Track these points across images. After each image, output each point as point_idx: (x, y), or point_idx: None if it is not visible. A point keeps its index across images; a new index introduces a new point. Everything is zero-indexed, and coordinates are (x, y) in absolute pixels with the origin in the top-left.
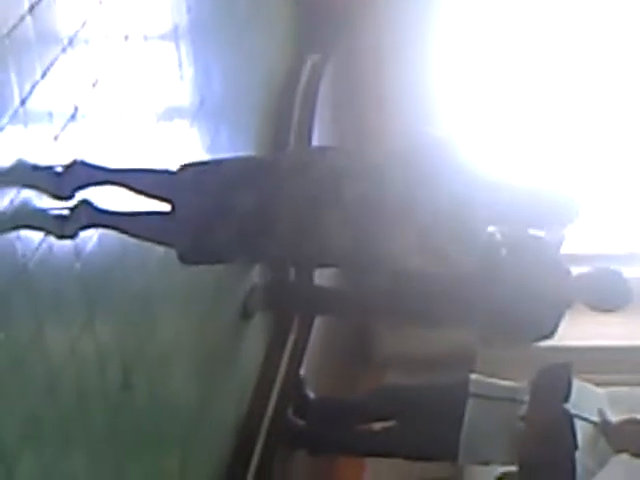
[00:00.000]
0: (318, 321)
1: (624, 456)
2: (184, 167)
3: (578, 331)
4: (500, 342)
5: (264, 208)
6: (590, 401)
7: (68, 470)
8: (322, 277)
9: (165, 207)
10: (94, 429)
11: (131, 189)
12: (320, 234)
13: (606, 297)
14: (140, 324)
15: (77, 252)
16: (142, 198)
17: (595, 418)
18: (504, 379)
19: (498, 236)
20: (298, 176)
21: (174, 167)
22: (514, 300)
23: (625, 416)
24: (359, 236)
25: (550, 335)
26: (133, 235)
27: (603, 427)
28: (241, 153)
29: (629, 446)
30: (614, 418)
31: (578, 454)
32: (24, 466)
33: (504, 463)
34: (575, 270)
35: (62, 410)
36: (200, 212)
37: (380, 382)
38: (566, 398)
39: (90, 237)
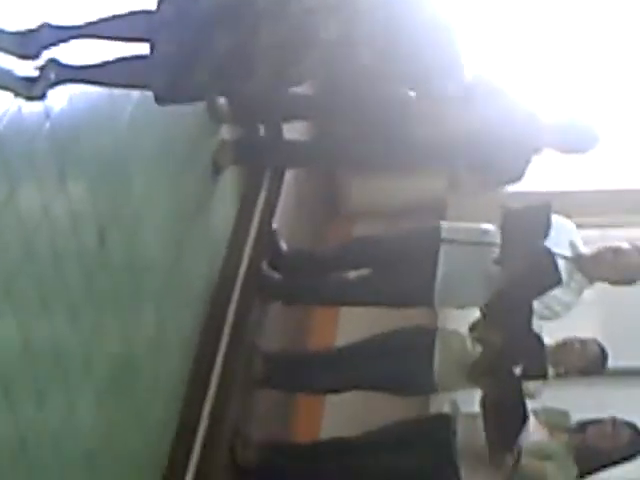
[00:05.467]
0: (289, 175)
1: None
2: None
3: (544, 177)
4: (470, 185)
5: (242, 48)
6: (560, 235)
7: (47, 327)
8: (291, 131)
9: (138, 51)
10: (71, 287)
11: (106, 38)
12: (297, 75)
13: (575, 140)
14: (112, 183)
15: (47, 113)
16: (117, 44)
17: (567, 252)
18: None
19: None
20: (274, 16)
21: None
22: (485, 142)
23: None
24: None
25: (519, 178)
26: (107, 84)
27: (577, 260)
28: None
29: (606, 275)
30: (585, 249)
31: (556, 292)
32: (1, 325)
33: (478, 305)
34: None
35: (38, 270)
36: (178, 50)
37: (350, 233)
38: (546, 235)
39: (59, 97)
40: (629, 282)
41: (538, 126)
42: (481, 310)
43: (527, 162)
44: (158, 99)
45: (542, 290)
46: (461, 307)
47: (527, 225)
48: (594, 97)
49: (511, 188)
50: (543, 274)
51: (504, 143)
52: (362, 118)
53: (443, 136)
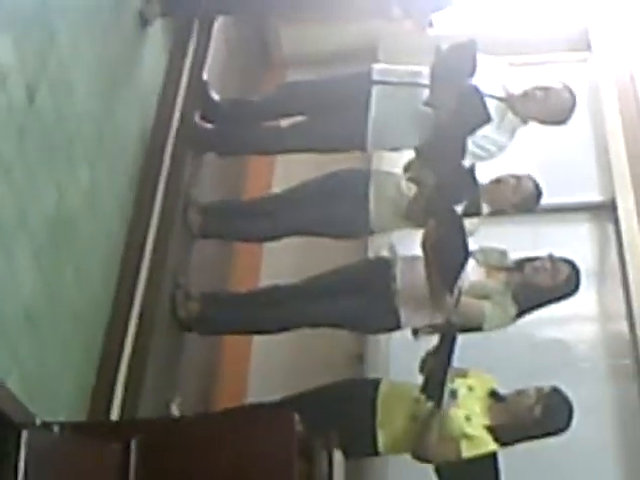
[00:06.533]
0: (218, 24)
1: None
2: None
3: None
4: (404, 17)
5: None
6: (491, 75)
7: None
8: None
9: None
10: (1, 145)
11: None
12: None
13: None
14: (38, 39)
15: None
16: None
17: (499, 92)
18: None
19: None
20: None
21: None
22: None
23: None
24: None
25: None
26: None
27: (508, 100)
28: None
29: (537, 114)
30: (516, 89)
31: (488, 132)
32: None
33: (410, 147)
34: None
35: None
36: None
37: (283, 81)
38: (472, 73)
39: None
40: (560, 122)
41: None
42: (415, 150)
43: None
44: None
45: (472, 128)
46: (394, 149)
47: (454, 64)
48: None
49: (447, 30)
50: (471, 112)
51: None
52: None
53: None
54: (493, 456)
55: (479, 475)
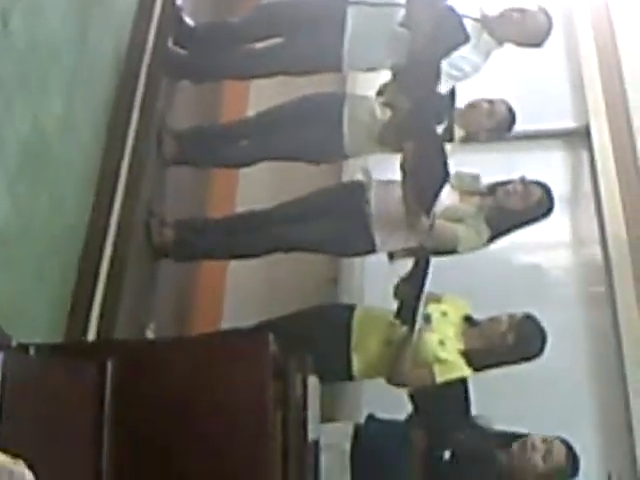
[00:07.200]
0: None
1: None
2: None
3: None
4: None
5: None
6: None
7: None
8: None
9: None
10: None
11: None
12: None
13: None
14: None
15: None
16: None
17: (474, 13)
18: None
19: None
20: None
21: None
22: None
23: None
24: None
25: None
26: None
27: (484, 20)
28: None
29: (513, 36)
30: (493, 11)
31: (465, 52)
32: None
33: (385, 67)
34: None
35: None
36: None
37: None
38: None
39: None
40: (536, 44)
41: None
42: (391, 72)
43: None
44: None
45: (450, 48)
46: (370, 69)
47: None
48: None
49: None
50: (449, 32)
51: None
52: None
53: None
54: (463, 382)
55: (450, 400)
